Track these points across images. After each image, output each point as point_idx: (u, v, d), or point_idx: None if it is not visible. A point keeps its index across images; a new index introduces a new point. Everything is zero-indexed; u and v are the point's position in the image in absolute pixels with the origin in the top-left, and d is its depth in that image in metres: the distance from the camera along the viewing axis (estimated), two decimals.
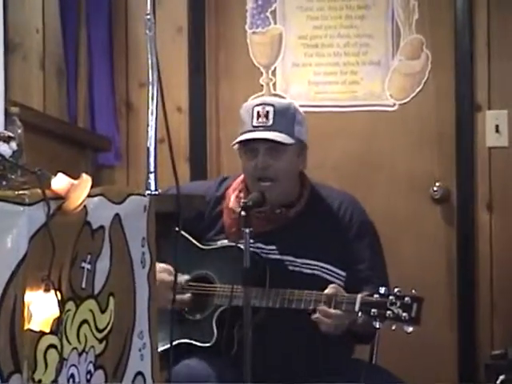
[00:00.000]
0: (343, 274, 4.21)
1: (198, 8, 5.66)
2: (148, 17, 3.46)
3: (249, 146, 4.25)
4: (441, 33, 5.48)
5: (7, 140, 2.84)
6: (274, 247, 4.23)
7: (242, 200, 4.20)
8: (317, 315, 4.02)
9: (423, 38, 5.52)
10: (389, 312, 3.98)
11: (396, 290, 3.99)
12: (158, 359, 3.09)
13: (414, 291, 4.01)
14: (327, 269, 4.21)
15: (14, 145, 2.84)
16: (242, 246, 3.97)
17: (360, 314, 4.01)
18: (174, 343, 3.82)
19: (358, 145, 5.57)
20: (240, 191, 4.33)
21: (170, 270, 3.89)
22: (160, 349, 3.21)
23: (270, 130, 4.21)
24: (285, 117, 4.26)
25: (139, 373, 2.97)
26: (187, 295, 4.15)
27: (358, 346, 4.47)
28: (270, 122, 4.23)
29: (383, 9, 5.55)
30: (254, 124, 4.23)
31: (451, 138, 5.42)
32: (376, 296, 4.01)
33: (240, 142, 4.24)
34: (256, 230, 3.97)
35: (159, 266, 3.36)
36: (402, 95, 5.55)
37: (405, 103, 5.54)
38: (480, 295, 5.33)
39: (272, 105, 4.27)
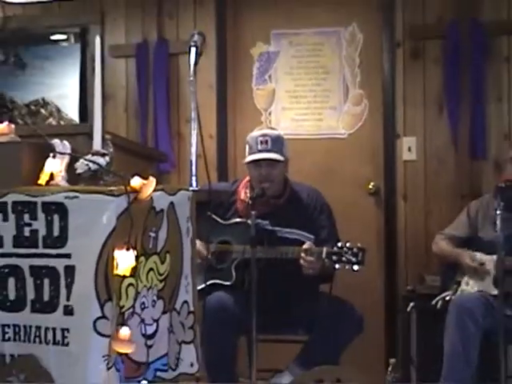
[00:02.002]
0: (312, 236, 4.22)
1: (222, 72, 5.65)
2: (191, 78, 3.44)
3: (255, 162, 4.27)
4: (374, 89, 5.46)
5: (103, 155, 2.85)
6: (268, 222, 4.24)
7: (249, 194, 4.24)
8: (301, 261, 4.05)
9: (363, 92, 5.51)
10: (343, 258, 4.00)
11: (347, 243, 4.02)
12: (197, 292, 3.08)
13: (359, 244, 4.03)
14: (302, 234, 4.24)
15: (107, 158, 2.85)
16: (248, 221, 4.00)
17: (326, 260, 4.04)
18: (207, 283, 3.98)
19: (322, 159, 5.55)
20: (247, 188, 4.36)
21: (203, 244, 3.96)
22: (199, 287, 3.21)
23: (269, 152, 4.25)
24: (277, 143, 4.29)
25: (185, 301, 2.96)
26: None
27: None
28: (269, 146, 4.26)
29: (338, 74, 5.54)
30: (259, 148, 4.27)
31: (381, 154, 5.39)
32: (335, 248, 4.03)
33: (251, 160, 4.28)
34: (258, 212, 3.99)
35: (198, 242, 3.34)
36: (350, 128, 5.54)
37: (351, 133, 5.53)
38: (398, 252, 5.32)
39: (269, 135, 4.31)
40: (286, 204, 4.34)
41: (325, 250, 4.04)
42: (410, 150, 5.31)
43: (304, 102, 5.61)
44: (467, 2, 5.20)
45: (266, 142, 4.28)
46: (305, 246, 4.08)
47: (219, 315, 3.93)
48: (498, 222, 3.76)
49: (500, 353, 3.76)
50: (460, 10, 5.20)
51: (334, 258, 4.02)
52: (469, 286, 4.25)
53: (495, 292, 4.03)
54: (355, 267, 4.01)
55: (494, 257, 4.08)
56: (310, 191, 4.43)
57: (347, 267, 4.02)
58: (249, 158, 4.31)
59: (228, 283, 4.22)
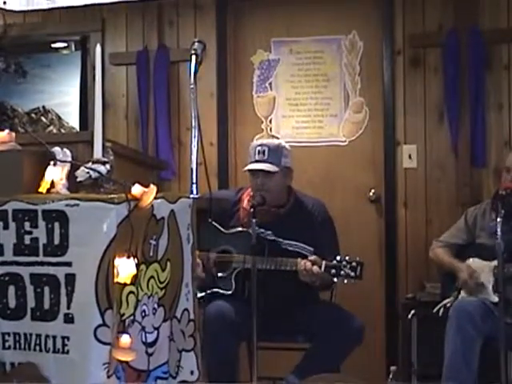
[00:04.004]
0: (311, 249, 4.20)
1: (223, 80, 5.66)
2: (191, 86, 3.44)
3: (253, 172, 4.27)
4: (374, 96, 5.47)
5: (103, 163, 2.86)
6: (270, 232, 4.23)
7: (250, 201, 4.25)
8: (300, 274, 4.05)
9: (364, 99, 5.52)
10: (342, 272, 3.99)
11: (347, 257, 4.01)
12: (198, 301, 3.08)
13: (358, 258, 4.02)
14: (302, 247, 4.22)
15: (108, 166, 2.86)
16: (248, 230, 4.01)
17: (325, 273, 4.03)
18: (207, 292, 4.02)
19: (323, 167, 5.55)
20: (250, 197, 4.35)
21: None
22: (199, 295, 3.21)
23: (264, 163, 4.24)
24: (275, 153, 4.28)
25: (185, 309, 2.97)
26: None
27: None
28: (266, 157, 4.26)
29: (338, 81, 5.55)
30: (256, 158, 4.27)
31: (381, 161, 5.40)
32: (334, 262, 4.02)
33: (248, 169, 4.29)
34: (260, 221, 3.99)
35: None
36: (351, 135, 5.54)
37: (352, 140, 5.53)
38: (399, 261, 5.32)
39: (267, 145, 4.30)
40: (288, 214, 4.32)
41: (324, 263, 4.03)
42: (410, 157, 5.31)
43: (304, 110, 5.62)
44: (467, 11, 5.21)
45: (264, 152, 4.27)
46: (310, 258, 4.08)
47: (219, 324, 3.92)
48: (499, 230, 3.76)
49: (501, 359, 3.76)
50: (460, 19, 5.21)
51: (333, 271, 4.01)
52: (467, 294, 4.24)
53: (495, 299, 4.03)
54: (354, 282, 4.01)
55: (492, 263, 4.08)
56: (315, 203, 4.41)
57: (345, 281, 4.01)
58: (246, 168, 4.33)
59: (228, 292, 4.21)
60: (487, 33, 5.16)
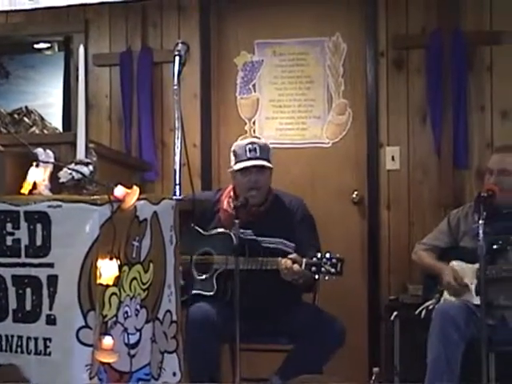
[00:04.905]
0: (293, 245, 4.24)
1: (206, 82, 5.65)
2: (175, 87, 3.45)
3: (244, 170, 4.28)
4: (358, 98, 5.48)
5: (86, 164, 2.85)
6: (251, 231, 4.25)
7: (233, 203, 4.26)
8: (281, 272, 4.06)
9: (347, 101, 5.52)
10: (323, 268, 4.01)
11: (327, 254, 4.03)
12: (180, 303, 3.08)
13: (338, 255, 4.04)
14: (283, 243, 4.25)
15: (91, 167, 2.85)
16: (229, 232, 4.09)
17: (306, 270, 4.04)
18: (189, 294, 4.02)
19: (307, 168, 5.55)
20: (230, 197, 4.37)
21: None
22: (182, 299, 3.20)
23: (258, 159, 4.28)
24: (265, 150, 4.33)
25: (168, 311, 2.97)
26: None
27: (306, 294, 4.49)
28: (258, 154, 4.28)
29: (322, 83, 5.55)
30: (248, 156, 4.29)
31: (364, 163, 5.40)
32: (314, 259, 4.03)
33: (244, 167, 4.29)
34: (240, 221, 4.00)
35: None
36: (334, 137, 5.54)
37: (335, 142, 5.53)
38: (381, 261, 5.32)
39: (257, 143, 4.34)
40: (267, 212, 4.35)
41: (304, 260, 4.05)
42: (393, 159, 5.32)
43: (288, 112, 5.62)
44: (450, 13, 5.23)
45: (255, 149, 4.30)
46: (290, 256, 4.09)
47: (202, 325, 3.93)
48: (481, 232, 3.77)
49: (482, 361, 3.77)
50: (442, 21, 5.23)
51: (314, 268, 4.03)
52: (451, 296, 4.26)
53: (477, 302, 4.04)
54: (335, 278, 4.02)
55: (475, 266, 4.10)
56: (293, 200, 4.45)
57: (327, 278, 4.03)
58: (238, 166, 4.31)
59: (210, 293, 4.21)
60: (470, 35, 5.18)
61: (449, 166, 5.22)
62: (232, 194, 4.39)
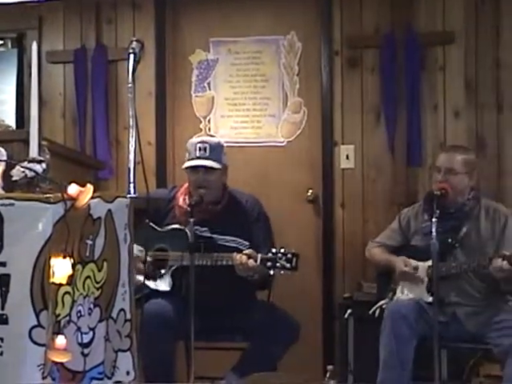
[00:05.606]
0: (247, 243, 4.26)
1: (161, 80, 5.64)
2: (129, 85, 3.43)
3: (193, 168, 4.28)
4: (313, 97, 5.50)
5: (39, 162, 2.83)
6: (206, 229, 4.26)
7: (188, 200, 4.26)
8: (236, 267, 4.07)
9: (302, 100, 5.55)
10: (278, 263, 4.04)
11: (282, 249, 4.05)
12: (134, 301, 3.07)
13: (293, 250, 4.07)
14: (238, 241, 4.27)
15: (44, 165, 2.83)
16: (184, 228, 4.09)
17: (261, 266, 4.06)
18: (145, 291, 3.97)
19: (261, 166, 5.57)
20: (185, 195, 4.38)
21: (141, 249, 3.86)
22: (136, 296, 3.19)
23: (207, 159, 4.29)
24: (216, 150, 4.33)
25: (122, 309, 2.95)
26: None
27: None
28: (207, 153, 4.29)
29: (277, 81, 5.57)
30: (197, 155, 4.30)
31: (319, 162, 5.42)
32: (269, 254, 4.05)
33: (190, 166, 4.28)
34: (196, 218, 4.01)
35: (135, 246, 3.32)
36: (289, 135, 5.57)
37: (290, 141, 5.56)
38: (336, 259, 5.35)
39: (208, 142, 4.34)
40: (223, 210, 4.36)
41: (259, 256, 4.06)
42: (347, 157, 5.35)
43: (243, 110, 5.63)
44: (403, 13, 5.27)
45: (205, 149, 4.30)
46: (246, 251, 4.10)
47: (157, 322, 3.92)
48: (433, 230, 3.81)
49: (434, 358, 3.81)
50: (396, 21, 5.28)
51: (269, 264, 4.05)
52: (404, 294, 4.30)
53: (429, 299, 4.09)
54: (290, 273, 4.04)
55: (427, 264, 4.14)
56: (249, 199, 4.47)
57: (282, 272, 4.04)
58: (186, 164, 4.34)
59: (166, 289, 4.21)
60: (423, 35, 5.23)
61: (402, 164, 5.27)
62: (188, 191, 4.39)
